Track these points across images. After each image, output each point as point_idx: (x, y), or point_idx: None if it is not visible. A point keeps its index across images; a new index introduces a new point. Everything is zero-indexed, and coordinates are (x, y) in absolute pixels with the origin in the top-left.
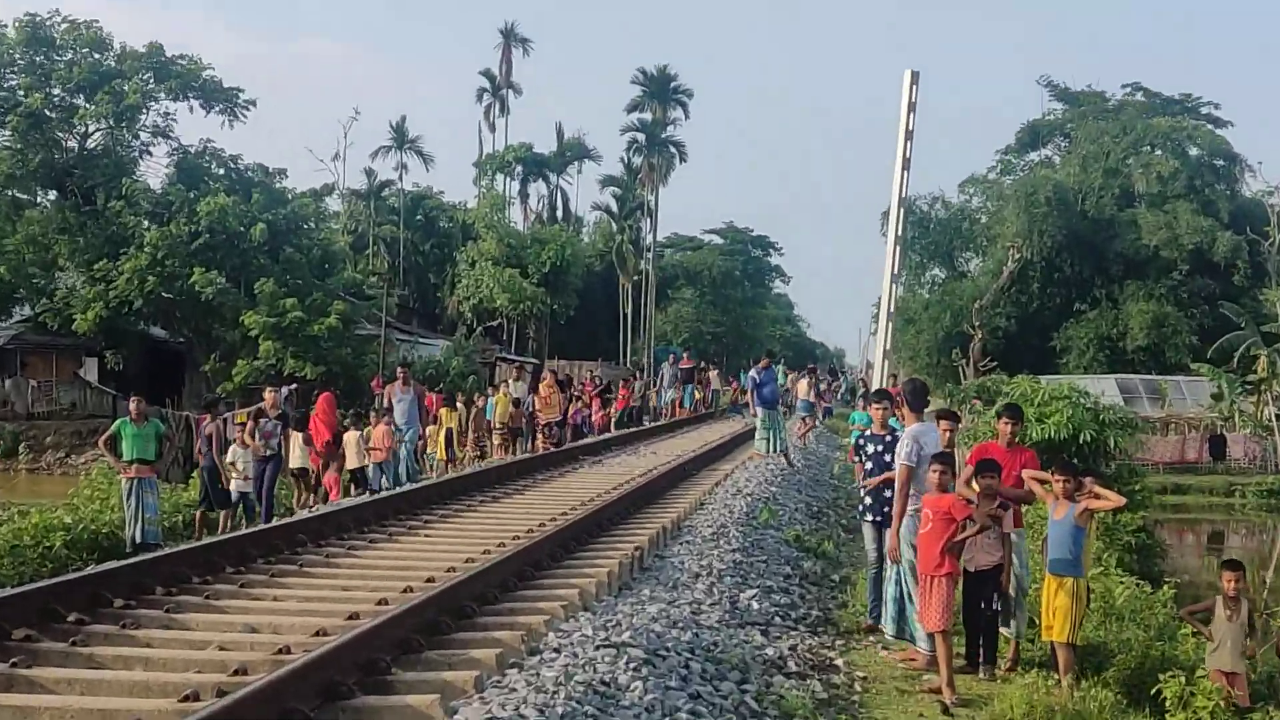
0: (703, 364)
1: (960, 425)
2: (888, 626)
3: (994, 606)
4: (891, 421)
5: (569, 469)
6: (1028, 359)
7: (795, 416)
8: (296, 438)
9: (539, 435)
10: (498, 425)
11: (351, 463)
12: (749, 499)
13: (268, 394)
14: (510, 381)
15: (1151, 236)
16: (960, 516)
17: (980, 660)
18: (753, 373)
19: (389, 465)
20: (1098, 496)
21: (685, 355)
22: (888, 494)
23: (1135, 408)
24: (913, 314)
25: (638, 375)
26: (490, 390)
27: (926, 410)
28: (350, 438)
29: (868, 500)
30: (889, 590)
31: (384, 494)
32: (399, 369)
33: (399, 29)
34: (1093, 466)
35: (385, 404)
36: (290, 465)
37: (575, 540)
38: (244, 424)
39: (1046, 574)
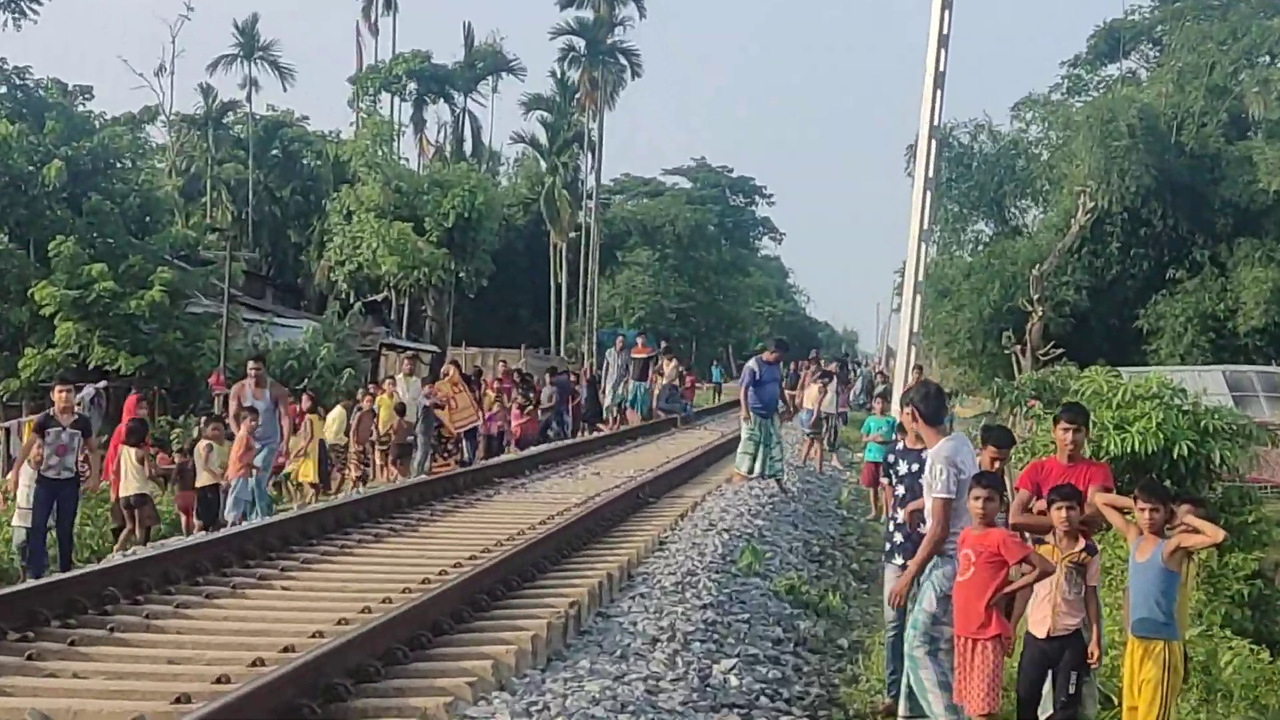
0: (663, 348)
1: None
2: (900, 705)
3: (1075, 687)
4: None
5: (480, 496)
6: (1104, 345)
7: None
8: (129, 454)
9: (437, 453)
10: (379, 439)
11: (204, 479)
12: (726, 535)
13: (58, 394)
14: (399, 378)
15: (1272, 178)
16: (1014, 559)
17: None
18: (752, 363)
19: (243, 487)
20: (1195, 530)
21: (640, 340)
22: (923, 529)
23: (1250, 410)
24: (949, 284)
25: (579, 371)
26: (374, 389)
27: (957, 421)
28: (201, 449)
29: (897, 537)
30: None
31: (231, 529)
32: (250, 363)
33: None
34: (1191, 490)
35: (235, 406)
36: (122, 492)
37: (487, 594)
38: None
39: (1129, 636)
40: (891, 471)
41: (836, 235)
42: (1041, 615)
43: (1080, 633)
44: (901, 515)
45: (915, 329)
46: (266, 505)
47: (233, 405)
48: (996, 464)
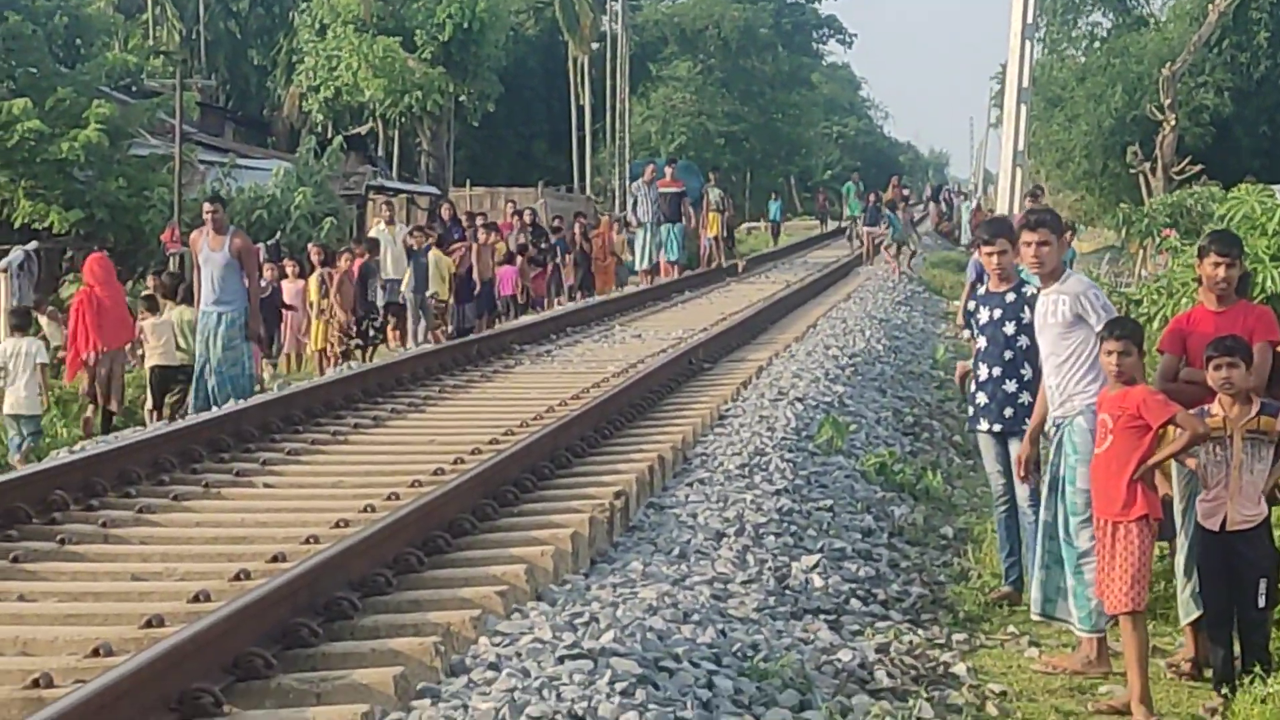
0: (710, 181)
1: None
2: (1033, 602)
3: (1266, 599)
4: (1020, 270)
5: (498, 367)
6: (1253, 158)
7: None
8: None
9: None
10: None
11: (155, 358)
12: (799, 406)
13: None
14: (380, 227)
15: None
16: (1158, 421)
17: (1222, 666)
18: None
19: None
20: None
21: (668, 170)
22: (1011, 387)
23: None
24: (1060, 90)
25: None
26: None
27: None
28: (149, 325)
29: (980, 399)
30: (1033, 544)
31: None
32: (206, 205)
33: None
34: None
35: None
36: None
37: (514, 485)
38: None
39: None
40: (972, 320)
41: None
42: (1213, 503)
43: (1268, 525)
44: (961, 371)
45: (1021, 147)
46: (244, 386)
47: (196, 259)
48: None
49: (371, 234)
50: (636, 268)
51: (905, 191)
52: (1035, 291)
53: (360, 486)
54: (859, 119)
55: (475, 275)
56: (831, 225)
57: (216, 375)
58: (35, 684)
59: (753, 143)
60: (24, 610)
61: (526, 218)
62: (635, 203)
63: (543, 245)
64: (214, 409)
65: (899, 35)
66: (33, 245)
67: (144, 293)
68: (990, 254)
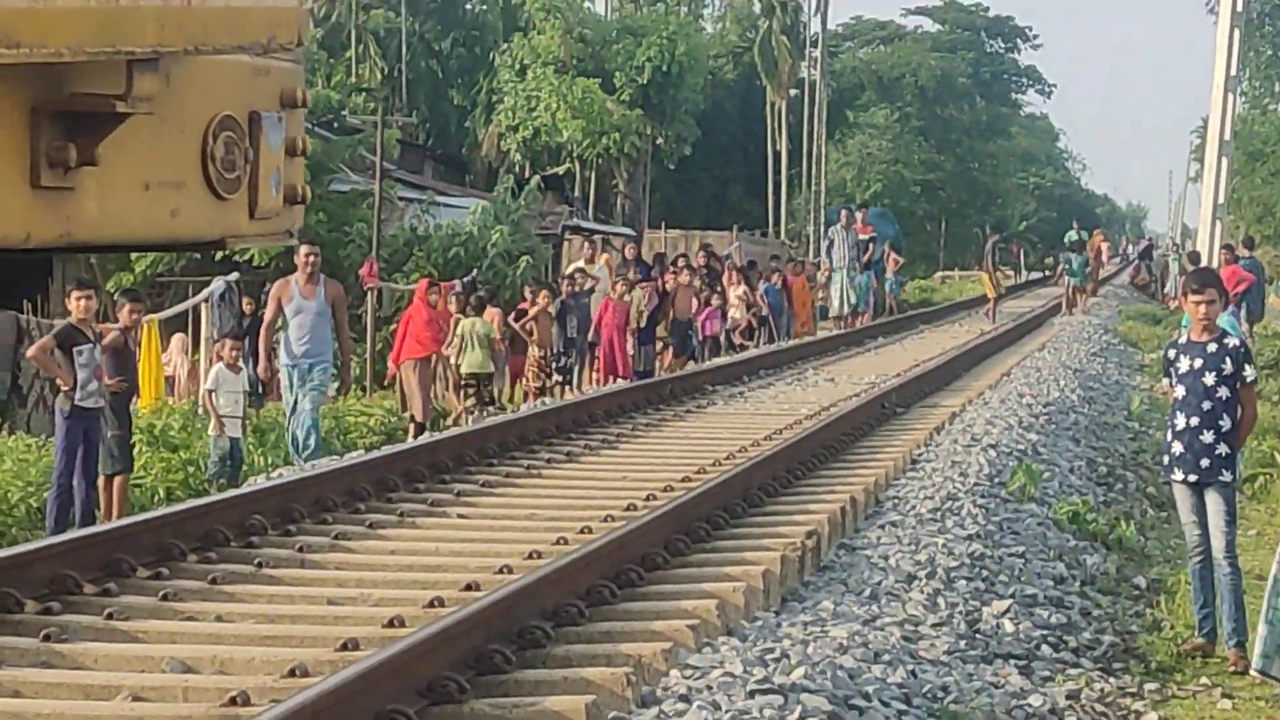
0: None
1: None
2: (1255, 657)
3: None
4: (1223, 320)
5: (690, 407)
6: None
7: None
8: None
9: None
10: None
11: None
12: (993, 452)
13: (75, 301)
14: (583, 263)
15: None
16: None
17: None
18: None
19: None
20: None
21: (859, 216)
22: (1208, 437)
23: None
24: (1263, 144)
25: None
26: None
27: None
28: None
29: (1176, 448)
30: (1229, 595)
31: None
32: (304, 250)
33: None
34: None
35: (273, 311)
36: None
37: (707, 522)
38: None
39: None
40: (1171, 369)
41: (1119, 87)
42: None
43: None
44: (1180, 422)
45: (1221, 201)
46: (317, 442)
47: (270, 309)
48: None
49: (568, 270)
50: (832, 313)
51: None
52: (1239, 343)
53: (553, 520)
54: (1056, 170)
55: (673, 315)
56: (1026, 275)
57: (301, 427)
58: (232, 702)
59: (949, 192)
60: (221, 630)
61: (699, 260)
62: (830, 245)
63: (715, 285)
64: (298, 461)
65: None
66: (233, 276)
67: (431, 297)
68: (1198, 303)
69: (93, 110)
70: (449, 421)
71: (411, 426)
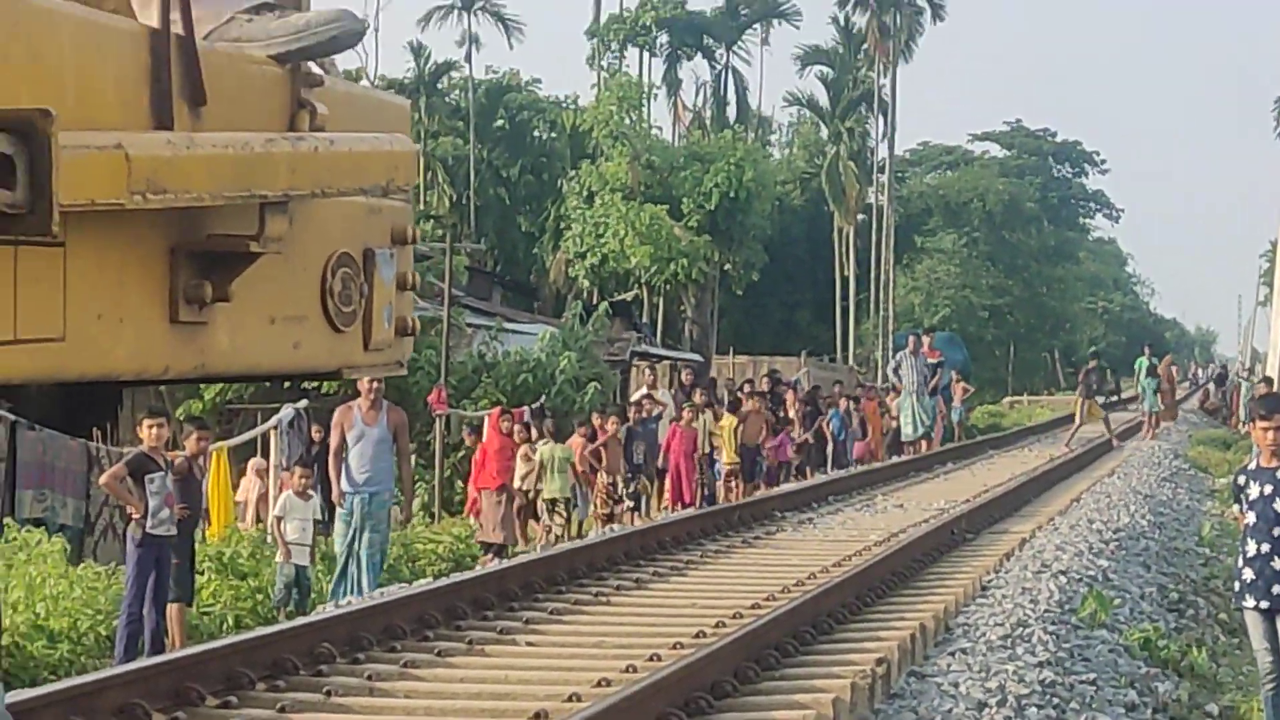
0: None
1: None
2: None
3: None
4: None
5: (759, 533)
6: None
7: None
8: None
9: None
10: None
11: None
12: (1063, 579)
13: (147, 429)
14: (646, 389)
15: None
16: None
17: None
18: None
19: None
20: None
21: (926, 341)
22: (1279, 564)
23: None
24: None
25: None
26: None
27: None
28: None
29: (1247, 575)
30: None
31: (461, 575)
32: (368, 382)
33: None
34: None
35: (338, 438)
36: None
37: (775, 649)
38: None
39: None
40: (1242, 495)
41: (1187, 211)
42: None
43: None
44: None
45: None
46: (374, 572)
47: (334, 436)
48: None
49: (636, 396)
50: (902, 437)
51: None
52: None
53: (622, 647)
54: (1124, 294)
55: (741, 441)
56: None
57: (362, 560)
58: None
59: (1017, 316)
60: None
61: (763, 385)
62: (897, 366)
63: (778, 412)
64: (359, 595)
65: (1166, 211)
66: (302, 403)
67: (517, 429)
68: (1267, 429)
69: (227, 250)
70: (526, 547)
71: (487, 553)
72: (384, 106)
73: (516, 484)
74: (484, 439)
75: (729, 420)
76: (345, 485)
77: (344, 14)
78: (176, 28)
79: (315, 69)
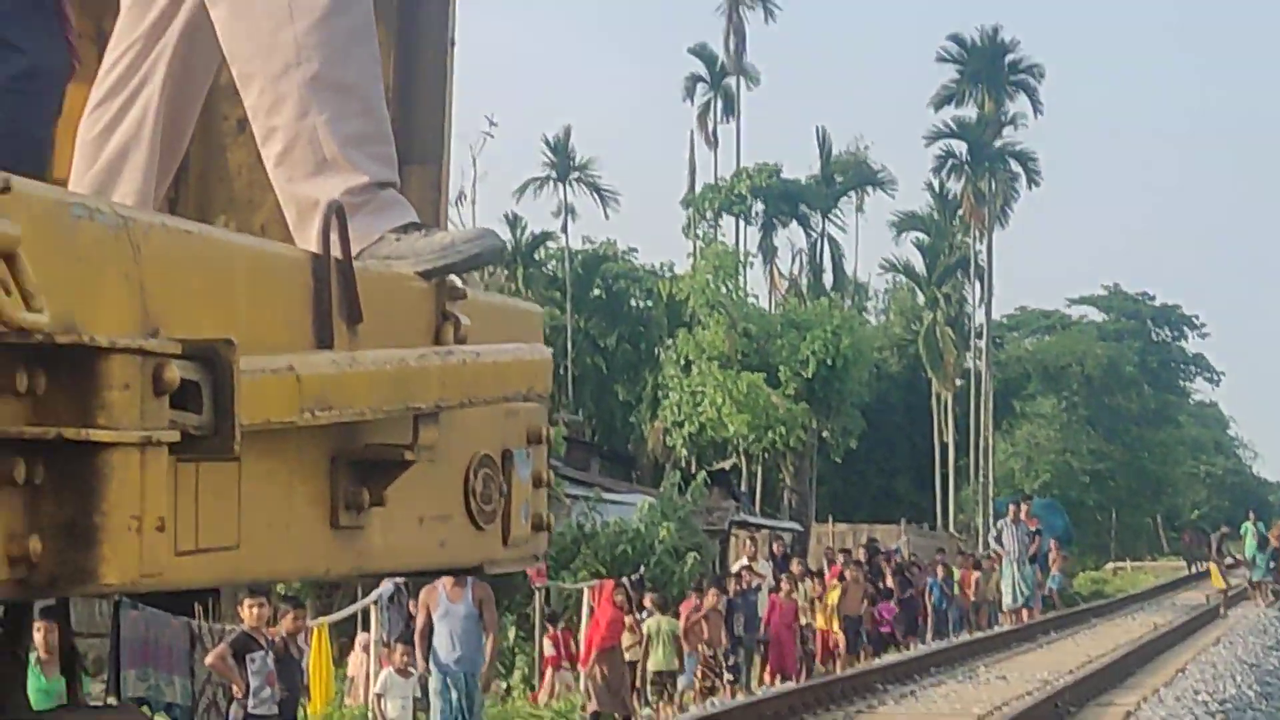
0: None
1: None
2: None
3: None
4: None
5: (861, 707)
6: None
7: None
8: None
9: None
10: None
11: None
12: None
13: (248, 608)
14: (746, 560)
15: None
16: None
17: None
18: None
19: None
20: None
21: (1024, 507)
22: None
23: None
24: None
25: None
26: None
27: None
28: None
29: None
30: None
31: None
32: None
33: None
34: None
35: (424, 618)
36: None
37: None
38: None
39: None
40: None
41: None
42: None
43: None
44: None
45: None
46: None
47: (420, 616)
48: None
49: (735, 567)
50: (1004, 606)
51: None
52: None
53: None
54: (1227, 458)
55: (840, 611)
56: (1199, 566)
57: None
58: None
59: (1118, 481)
60: None
61: (860, 554)
62: (999, 534)
63: (878, 583)
64: None
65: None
66: (402, 578)
67: (618, 598)
68: None
69: (384, 459)
70: None
71: None
72: (519, 314)
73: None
74: (595, 610)
75: (829, 590)
76: (435, 665)
77: (486, 232)
78: (335, 250)
79: (458, 282)
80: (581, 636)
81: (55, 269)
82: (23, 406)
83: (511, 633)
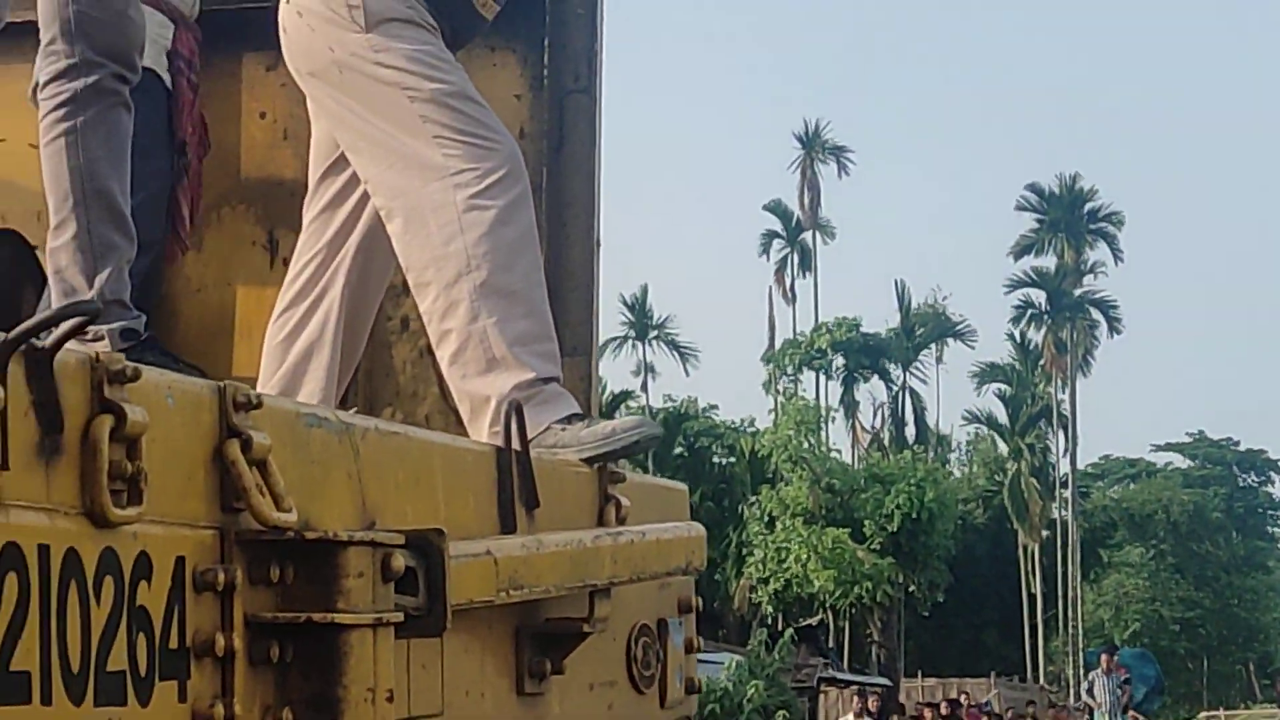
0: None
1: None
2: None
3: None
4: None
5: None
6: None
7: None
8: None
9: None
10: None
11: None
12: None
13: None
14: (851, 716)
15: None
16: None
17: None
18: None
19: None
20: None
21: (1111, 656)
22: None
23: None
24: None
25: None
26: None
27: None
28: None
29: None
30: None
31: None
32: None
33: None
34: None
35: None
36: None
37: None
38: None
39: None
40: None
41: None
42: None
43: None
44: None
45: None
46: None
47: None
48: None
49: None
50: None
51: None
52: None
53: None
54: None
55: None
56: None
57: None
58: None
59: (1209, 629)
60: None
61: (944, 709)
62: (1090, 686)
63: None
64: None
65: None
66: None
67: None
68: None
69: (563, 631)
70: None
71: None
72: (669, 493)
73: None
74: None
75: None
76: None
77: (644, 421)
78: (514, 443)
79: (617, 468)
80: None
81: (295, 472)
82: (275, 595)
83: None
